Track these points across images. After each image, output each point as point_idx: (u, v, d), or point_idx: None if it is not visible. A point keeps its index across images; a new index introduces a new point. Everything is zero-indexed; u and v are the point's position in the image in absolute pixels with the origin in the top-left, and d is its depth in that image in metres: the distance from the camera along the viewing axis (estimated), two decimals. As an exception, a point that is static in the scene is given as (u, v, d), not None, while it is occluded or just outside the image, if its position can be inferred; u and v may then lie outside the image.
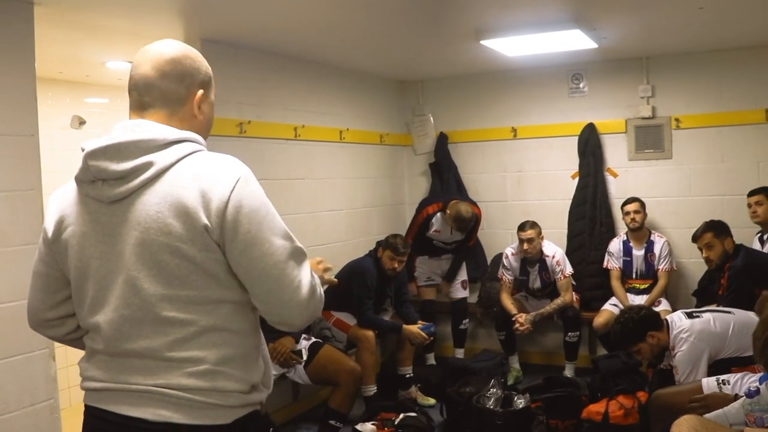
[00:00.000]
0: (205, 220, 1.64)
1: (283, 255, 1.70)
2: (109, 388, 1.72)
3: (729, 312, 4.11)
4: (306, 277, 1.74)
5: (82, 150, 1.74)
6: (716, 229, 5.01)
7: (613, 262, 6.13)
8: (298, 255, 1.74)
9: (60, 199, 1.84)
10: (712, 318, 4.05)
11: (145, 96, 1.78)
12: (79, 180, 1.77)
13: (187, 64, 1.81)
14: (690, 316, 4.13)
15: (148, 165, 1.67)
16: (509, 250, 6.24)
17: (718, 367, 3.92)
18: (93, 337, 1.78)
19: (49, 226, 1.82)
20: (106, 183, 1.70)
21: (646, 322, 4.11)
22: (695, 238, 5.11)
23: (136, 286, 1.68)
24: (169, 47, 1.81)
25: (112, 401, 1.71)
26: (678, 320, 4.10)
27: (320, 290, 1.80)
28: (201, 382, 1.67)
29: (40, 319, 1.92)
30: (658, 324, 4.13)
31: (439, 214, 6.27)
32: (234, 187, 1.66)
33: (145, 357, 1.68)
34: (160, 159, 1.68)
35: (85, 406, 1.80)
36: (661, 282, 5.94)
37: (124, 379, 1.70)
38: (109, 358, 1.74)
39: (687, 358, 3.95)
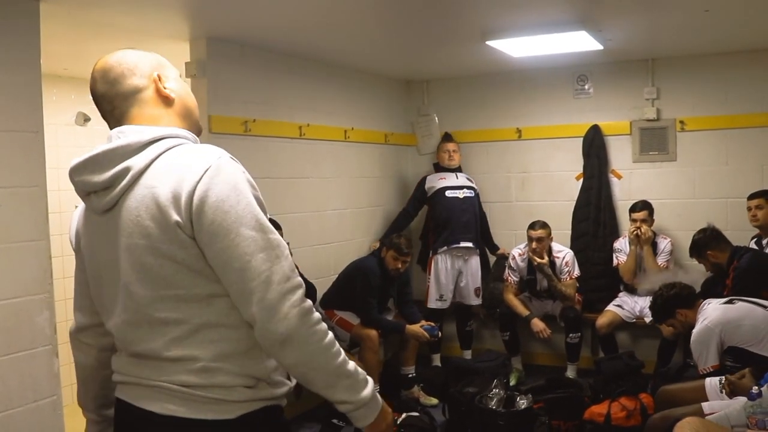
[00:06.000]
0: (176, 217, 1.62)
1: (250, 247, 1.61)
2: (128, 382, 1.78)
3: (765, 306, 4.12)
4: (279, 273, 1.62)
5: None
6: (697, 251, 5.15)
7: (622, 257, 6.10)
8: (271, 248, 1.64)
9: (78, 213, 1.93)
10: (740, 306, 4.11)
11: (114, 110, 1.80)
12: (79, 195, 1.82)
13: (128, 60, 1.82)
14: (726, 302, 4.20)
15: (126, 171, 1.68)
16: (516, 251, 6.23)
17: (731, 353, 3.99)
18: (115, 339, 1.85)
19: (72, 238, 1.95)
20: (96, 195, 1.74)
21: (676, 300, 4.26)
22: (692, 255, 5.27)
23: (129, 291, 1.71)
24: (102, 62, 1.83)
25: (131, 394, 1.77)
26: (707, 304, 4.19)
27: (300, 310, 1.64)
28: (200, 379, 1.68)
29: (85, 325, 1.97)
30: (689, 302, 4.25)
31: (430, 175, 6.64)
32: (201, 177, 1.62)
33: (149, 358, 1.72)
34: (136, 163, 1.68)
35: (116, 397, 1.86)
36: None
37: (138, 373, 1.75)
38: (127, 356, 1.80)
39: (696, 340, 4.06)
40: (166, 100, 1.82)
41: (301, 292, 1.66)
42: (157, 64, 1.86)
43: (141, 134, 1.72)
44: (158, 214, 1.64)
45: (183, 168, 1.65)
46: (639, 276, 5.96)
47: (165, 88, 1.82)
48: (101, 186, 1.71)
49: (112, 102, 1.79)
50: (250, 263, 1.61)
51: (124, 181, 1.68)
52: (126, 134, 1.73)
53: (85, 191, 1.76)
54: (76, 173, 1.75)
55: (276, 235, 1.67)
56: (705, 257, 5.08)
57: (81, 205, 1.90)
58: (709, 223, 5.25)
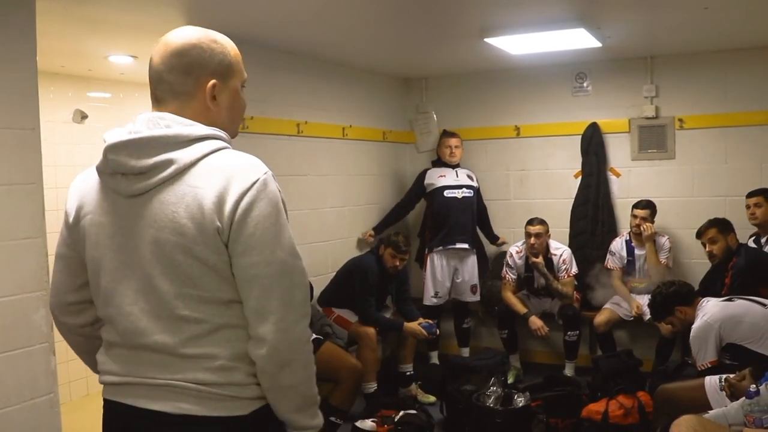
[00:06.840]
0: (218, 223, 1.62)
1: (280, 267, 1.66)
2: (127, 382, 1.74)
3: (764, 305, 4.12)
4: (300, 298, 1.70)
5: (104, 141, 1.73)
6: (720, 225, 5.17)
7: (614, 261, 6.10)
8: (297, 274, 1.70)
9: (80, 185, 1.85)
10: (740, 303, 4.12)
11: (156, 89, 1.77)
12: (100, 171, 1.77)
13: (195, 54, 1.75)
14: (725, 300, 4.22)
15: (169, 163, 1.65)
16: (513, 249, 6.23)
17: (730, 351, 3.99)
18: (109, 330, 1.79)
19: (70, 211, 1.85)
20: (126, 177, 1.70)
21: (675, 297, 4.27)
22: (699, 234, 5.26)
23: (152, 284, 1.68)
24: (177, 37, 1.77)
25: (131, 395, 1.73)
26: (706, 301, 4.19)
27: (306, 335, 1.74)
28: (217, 377, 1.68)
29: (63, 302, 1.92)
30: (688, 300, 4.25)
31: (430, 170, 6.53)
32: (249, 189, 1.63)
33: (160, 352, 1.69)
34: (181, 157, 1.66)
35: (104, 400, 1.81)
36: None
37: (141, 372, 1.71)
38: (126, 351, 1.75)
39: (695, 335, 4.06)
40: (207, 110, 1.79)
41: (309, 320, 1.74)
42: (224, 69, 1.82)
43: (188, 129, 1.69)
44: (199, 216, 1.63)
45: (231, 175, 1.65)
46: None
47: (213, 99, 1.79)
48: (137, 171, 1.67)
49: (159, 84, 1.76)
50: (278, 283, 1.65)
51: (165, 173, 1.65)
52: (169, 123, 1.70)
53: (115, 171, 1.71)
54: (112, 151, 1.70)
55: (302, 262, 1.72)
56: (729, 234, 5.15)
57: (83, 176, 1.85)
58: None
